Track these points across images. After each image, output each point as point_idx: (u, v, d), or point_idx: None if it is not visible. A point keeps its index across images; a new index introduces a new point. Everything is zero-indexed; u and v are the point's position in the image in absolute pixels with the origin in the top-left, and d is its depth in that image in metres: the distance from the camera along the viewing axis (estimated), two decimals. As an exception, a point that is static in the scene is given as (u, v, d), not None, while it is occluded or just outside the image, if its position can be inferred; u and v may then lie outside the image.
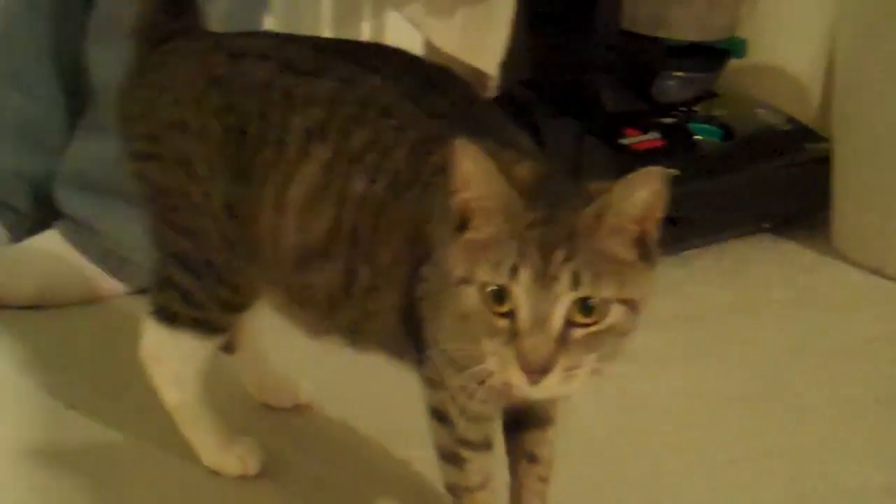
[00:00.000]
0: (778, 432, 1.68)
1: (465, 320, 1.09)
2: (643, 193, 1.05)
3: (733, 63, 2.34)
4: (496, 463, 1.30)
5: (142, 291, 1.80)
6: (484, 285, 1.06)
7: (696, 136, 2.25)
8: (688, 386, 1.76)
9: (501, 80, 2.31)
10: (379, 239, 1.23)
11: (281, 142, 1.27)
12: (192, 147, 1.32)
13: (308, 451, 1.54)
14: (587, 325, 1.05)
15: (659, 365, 1.74)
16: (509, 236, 1.05)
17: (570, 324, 1.04)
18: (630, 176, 1.04)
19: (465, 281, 1.07)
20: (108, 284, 1.87)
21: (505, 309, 1.05)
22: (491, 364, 1.07)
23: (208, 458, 1.47)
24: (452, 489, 1.30)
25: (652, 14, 2.26)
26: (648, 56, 2.26)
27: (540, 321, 1.04)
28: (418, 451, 1.44)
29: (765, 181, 2.27)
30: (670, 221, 1.10)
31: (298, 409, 1.62)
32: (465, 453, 1.26)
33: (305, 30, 2.29)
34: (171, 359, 1.41)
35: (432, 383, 1.25)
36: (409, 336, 1.25)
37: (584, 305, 1.04)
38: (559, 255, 1.03)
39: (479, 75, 2.26)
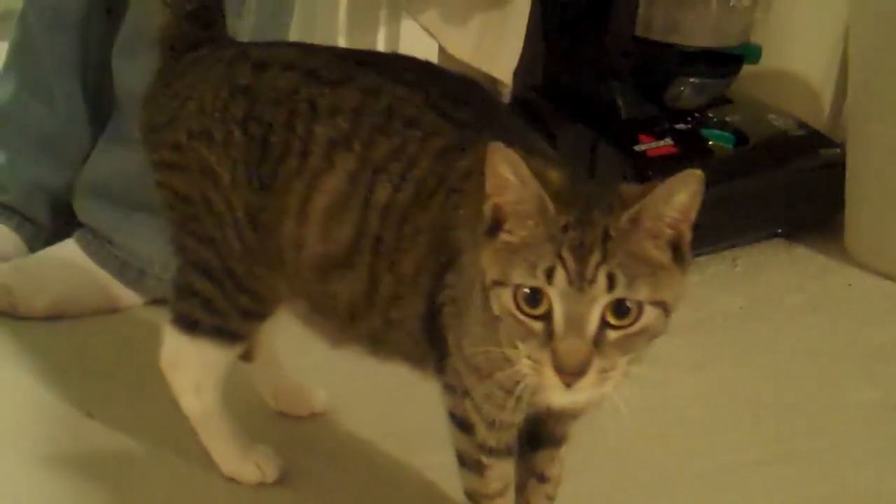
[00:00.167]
0: (792, 437, 1.68)
1: (497, 323, 1.09)
2: (682, 196, 1.05)
3: (746, 69, 2.34)
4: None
5: (159, 301, 1.82)
6: (518, 287, 1.06)
7: (709, 142, 2.26)
8: (701, 391, 1.76)
9: (515, 86, 2.31)
10: (403, 247, 1.24)
11: (305, 151, 1.27)
12: (215, 156, 1.32)
13: (324, 459, 1.55)
14: (622, 328, 1.05)
15: (672, 370, 1.72)
16: (544, 239, 1.05)
17: (604, 325, 1.05)
18: (670, 179, 1.05)
19: (500, 283, 1.08)
20: (126, 295, 1.87)
21: (540, 311, 1.05)
22: (524, 367, 1.08)
23: (226, 466, 1.48)
24: (472, 495, 1.30)
25: (666, 20, 2.26)
26: (662, 62, 2.27)
27: (575, 323, 1.04)
28: (434, 458, 1.45)
29: (778, 187, 2.28)
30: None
31: (314, 416, 1.63)
32: (486, 460, 1.27)
33: (321, 38, 2.30)
34: (192, 367, 1.42)
35: (453, 390, 1.25)
36: (431, 344, 1.25)
37: (619, 307, 1.04)
38: (595, 257, 1.04)
39: (494, 82, 2.27)
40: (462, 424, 1.26)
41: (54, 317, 1.82)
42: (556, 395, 1.12)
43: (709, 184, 1.06)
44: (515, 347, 1.08)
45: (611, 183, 1.12)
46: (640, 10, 2.27)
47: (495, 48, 2.19)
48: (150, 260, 1.84)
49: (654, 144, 2.20)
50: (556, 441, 1.32)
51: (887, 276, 2.18)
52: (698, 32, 2.27)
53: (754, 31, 2.35)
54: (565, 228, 1.05)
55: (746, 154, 2.28)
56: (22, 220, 1.96)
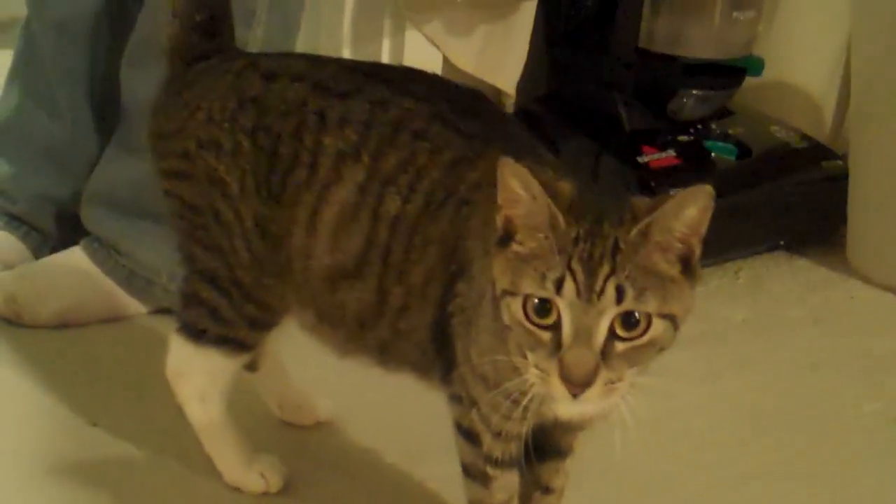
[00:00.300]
0: (795, 450, 1.68)
1: (506, 332, 1.10)
2: (692, 211, 1.06)
3: (749, 81, 2.34)
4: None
5: (164, 310, 1.82)
6: (528, 297, 1.07)
7: (711, 154, 2.26)
8: (704, 402, 1.76)
9: (519, 97, 2.32)
10: (412, 258, 1.24)
11: (313, 163, 1.28)
12: (224, 166, 1.32)
13: (329, 469, 1.55)
14: (629, 339, 1.06)
15: (675, 382, 1.74)
16: (554, 251, 1.06)
17: (612, 337, 1.05)
18: (680, 193, 1.05)
19: (510, 293, 1.08)
20: (131, 303, 1.87)
21: (548, 322, 1.06)
22: (532, 377, 1.08)
23: (230, 475, 1.48)
24: (476, 506, 1.30)
25: (669, 32, 2.27)
26: (665, 74, 2.27)
27: (584, 334, 1.05)
28: (438, 469, 1.45)
29: (780, 199, 2.28)
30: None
31: (319, 426, 1.63)
32: (492, 471, 1.27)
33: (325, 48, 2.30)
34: (198, 375, 1.42)
35: (460, 400, 1.26)
36: (438, 354, 1.26)
37: (628, 320, 1.05)
38: (604, 269, 1.04)
39: (497, 93, 2.27)
40: (468, 435, 1.27)
41: (59, 325, 1.82)
42: (563, 406, 1.13)
43: (711, 196, 1.07)
44: (524, 357, 1.08)
45: (621, 195, 1.13)
46: (644, 22, 2.26)
47: (499, 59, 2.19)
48: (156, 270, 1.84)
49: (656, 156, 2.20)
50: (562, 453, 1.32)
51: (889, 289, 2.18)
52: (701, 44, 2.28)
53: (757, 44, 2.35)
54: (575, 240, 1.06)
55: (749, 166, 2.28)
56: (29, 229, 1.96)
